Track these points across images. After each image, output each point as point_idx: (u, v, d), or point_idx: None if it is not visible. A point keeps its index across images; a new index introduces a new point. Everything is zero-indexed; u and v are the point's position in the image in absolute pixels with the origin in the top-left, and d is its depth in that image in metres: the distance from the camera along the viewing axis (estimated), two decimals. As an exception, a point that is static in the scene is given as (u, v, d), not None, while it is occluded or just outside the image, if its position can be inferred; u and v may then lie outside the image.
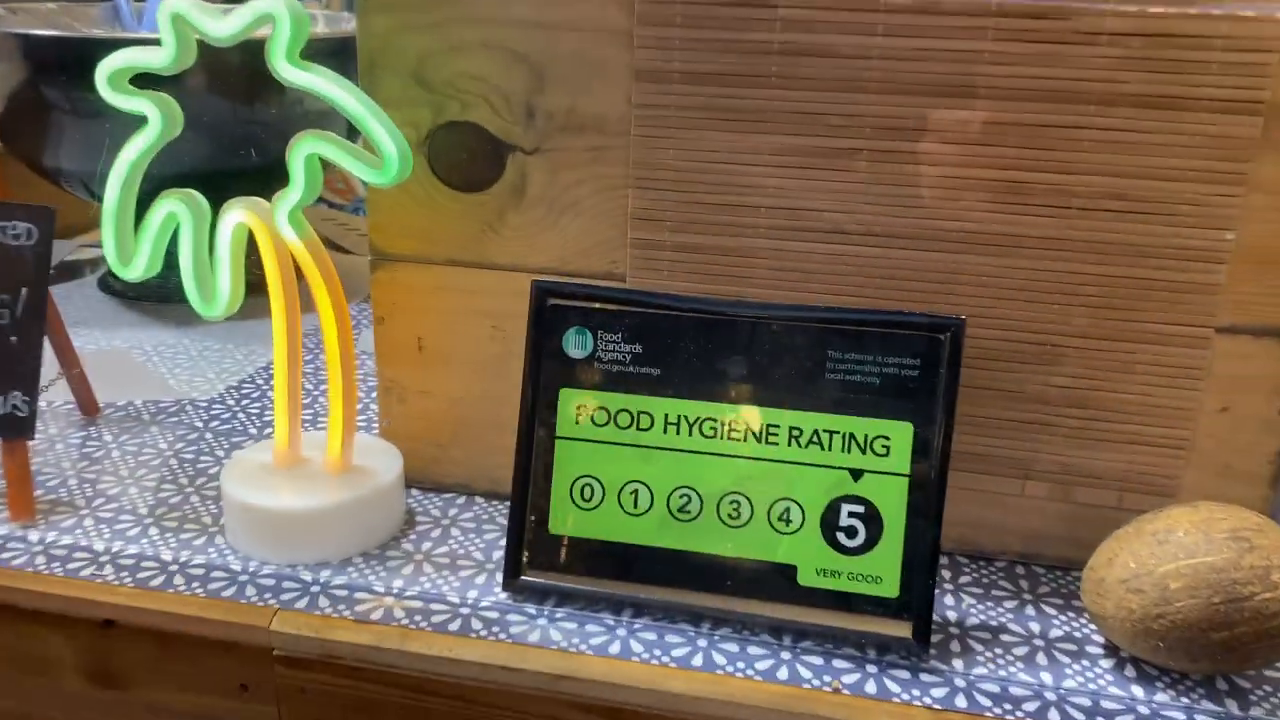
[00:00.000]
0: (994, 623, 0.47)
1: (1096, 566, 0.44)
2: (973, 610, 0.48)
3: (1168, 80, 0.43)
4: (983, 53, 0.44)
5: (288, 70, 0.45)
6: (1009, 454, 0.49)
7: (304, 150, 0.46)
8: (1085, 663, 0.44)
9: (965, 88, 0.45)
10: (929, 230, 0.47)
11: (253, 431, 0.62)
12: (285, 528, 0.49)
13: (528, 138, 0.49)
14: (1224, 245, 0.45)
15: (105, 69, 0.46)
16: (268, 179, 0.70)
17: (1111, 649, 0.45)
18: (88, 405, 0.63)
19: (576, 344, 0.47)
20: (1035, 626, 0.47)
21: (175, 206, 0.48)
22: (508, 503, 0.54)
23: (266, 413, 0.64)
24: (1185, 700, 0.42)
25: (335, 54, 0.69)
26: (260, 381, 0.68)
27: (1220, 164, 0.44)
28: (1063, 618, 0.47)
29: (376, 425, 0.60)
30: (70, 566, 0.48)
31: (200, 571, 0.48)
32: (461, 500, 0.55)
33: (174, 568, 0.49)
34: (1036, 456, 0.49)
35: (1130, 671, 0.44)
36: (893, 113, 0.45)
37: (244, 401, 0.65)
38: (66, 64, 0.67)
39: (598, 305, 0.46)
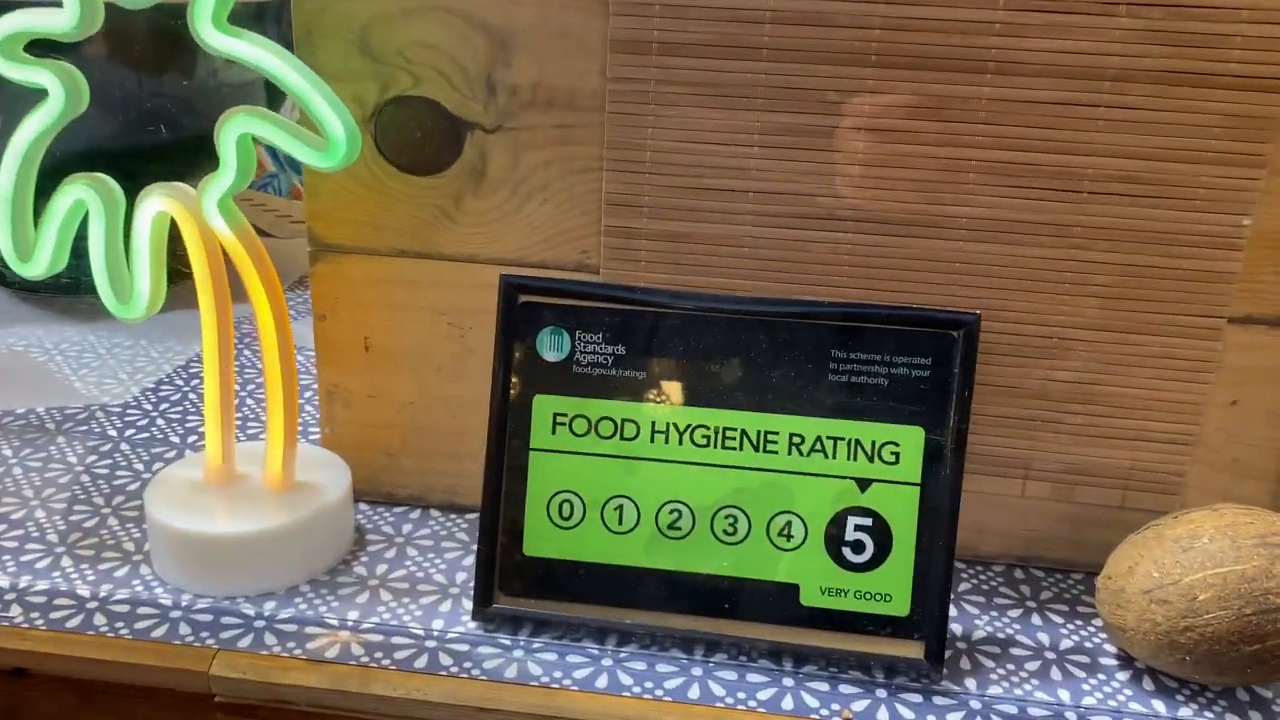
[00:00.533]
0: (1001, 635, 0.44)
1: (1115, 576, 0.41)
2: (977, 621, 0.45)
3: (1187, 55, 0.40)
4: (992, 23, 0.41)
5: (215, 37, 0.40)
6: (1008, 453, 0.47)
7: (236, 129, 0.41)
8: (1101, 676, 0.42)
9: (972, 61, 0.41)
10: (929, 216, 0.43)
11: (175, 440, 0.56)
12: (222, 555, 0.43)
13: (488, 115, 0.44)
14: (1241, 231, 0.42)
15: (-4, 34, 0.40)
16: (182, 158, 0.63)
17: (1125, 659, 0.43)
18: (-18, 415, 0.56)
19: (552, 345, 0.42)
20: (1044, 637, 0.44)
21: (83, 193, 0.42)
22: (467, 516, 0.50)
23: (189, 417, 0.58)
24: (1210, 714, 0.40)
25: (255, 20, 0.63)
26: (180, 382, 0.62)
27: (1239, 144, 0.41)
28: (1071, 626, 0.45)
29: (315, 429, 0.54)
30: (-30, 607, 0.43)
31: (124, 608, 0.43)
32: (416, 514, 0.50)
33: (93, 605, 0.43)
34: (1037, 455, 0.46)
35: (1149, 684, 0.42)
36: (893, 88, 0.42)
37: (162, 405, 0.59)
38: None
39: (575, 302, 0.42)
